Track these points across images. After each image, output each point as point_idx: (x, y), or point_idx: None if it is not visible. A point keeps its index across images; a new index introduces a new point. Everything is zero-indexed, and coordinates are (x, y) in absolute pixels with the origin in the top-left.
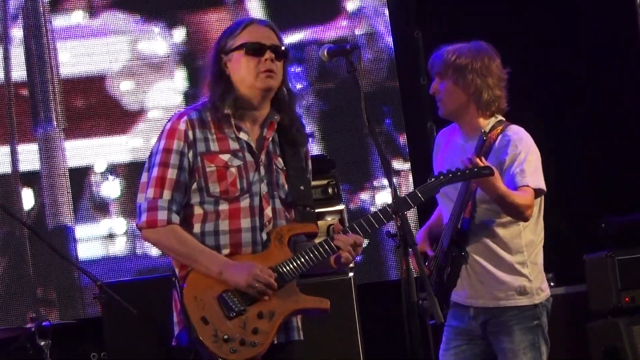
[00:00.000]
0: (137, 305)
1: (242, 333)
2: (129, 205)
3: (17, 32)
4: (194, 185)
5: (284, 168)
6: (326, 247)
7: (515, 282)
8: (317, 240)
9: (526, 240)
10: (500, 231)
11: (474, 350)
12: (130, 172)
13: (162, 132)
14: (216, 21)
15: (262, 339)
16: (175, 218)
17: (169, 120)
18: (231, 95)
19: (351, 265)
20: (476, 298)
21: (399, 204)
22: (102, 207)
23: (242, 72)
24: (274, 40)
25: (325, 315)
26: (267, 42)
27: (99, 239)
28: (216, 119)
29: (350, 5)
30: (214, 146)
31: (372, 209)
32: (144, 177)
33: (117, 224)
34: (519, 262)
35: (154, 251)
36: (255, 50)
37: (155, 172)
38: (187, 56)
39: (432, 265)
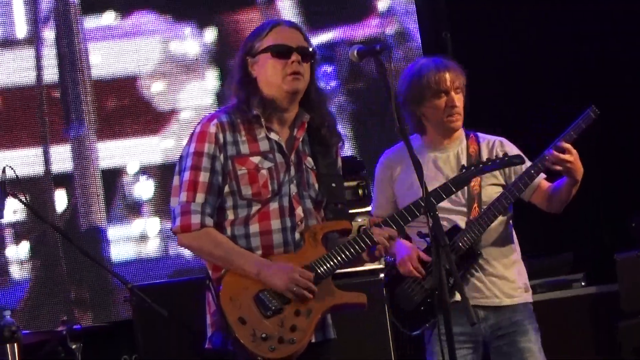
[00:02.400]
0: (168, 308)
1: (280, 331)
2: (161, 207)
3: (48, 34)
4: (226, 189)
5: (314, 167)
6: (361, 243)
7: (521, 279)
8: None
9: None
10: (506, 230)
11: (476, 355)
12: (162, 173)
13: (192, 135)
14: (247, 21)
15: (300, 336)
16: (209, 221)
17: (199, 124)
18: (257, 98)
19: (382, 265)
20: (489, 298)
21: (431, 197)
22: (134, 208)
23: (269, 74)
24: (301, 42)
25: (362, 309)
26: (293, 44)
27: (131, 241)
28: (246, 120)
29: (381, 5)
30: (245, 149)
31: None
32: (176, 181)
33: (150, 225)
34: (519, 259)
35: (187, 252)
36: (281, 52)
37: (187, 175)
38: (218, 56)
39: (429, 272)
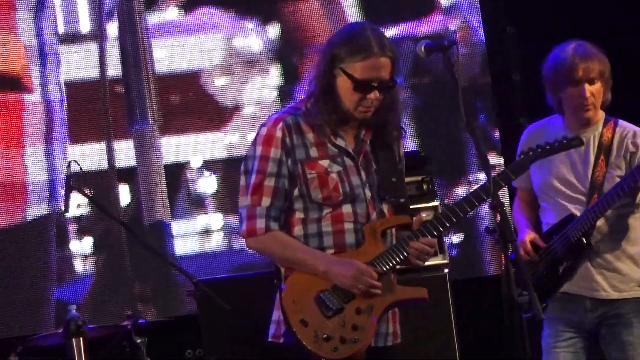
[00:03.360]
0: (232, 302)
1: (342, 331)
2: (225, 201)
3: (112, 30)
4: (296, 192)
5: (377, 163)
6: (403, 252)
7: (636, 274)
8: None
9: None
10: (623, 222)
11: (583, 343)
12: (226, 168)
13: (257, 136)
14: (310, 15)
15: (362, 334)
16: (274, 224)
17: (264, 125)
18: (330, 105)
19: (446, 261)
20: (597, 290)
21: (491, 184)
22: (198, 203)
23: (344, 97)
24: (386, 74)
25: (424, 304)
26: (377, 81)
27: (195, 235)
28: (313, 124)
29: (444, 1)
30: (313, 152)
31: None
32: (242, 181)
33: (214, 219)
34: (638, 253)
35: None
36: (363, 89)
37: (253, 179)
38: (282, 52)
39: (542, 258)
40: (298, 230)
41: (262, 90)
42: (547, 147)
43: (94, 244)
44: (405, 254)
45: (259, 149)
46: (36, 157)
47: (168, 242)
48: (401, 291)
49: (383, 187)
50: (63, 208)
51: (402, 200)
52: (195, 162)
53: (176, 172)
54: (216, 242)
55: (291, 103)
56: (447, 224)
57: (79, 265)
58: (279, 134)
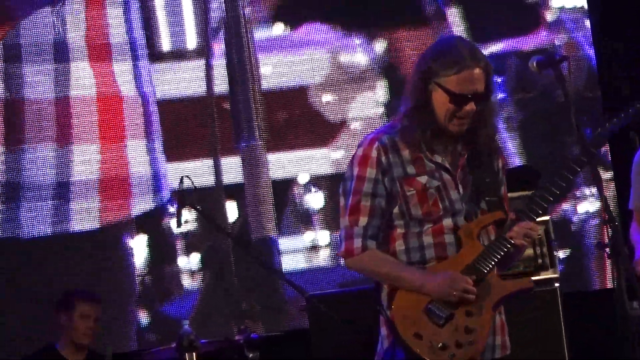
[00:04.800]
0: (343, 317)
1: (456, 336)
2: (331, 217)
3: (218, 46)
4: (396, 209)
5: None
6: (504, 248)
7: None
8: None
9: None
10: None
11: None
12: (332, 184)
13: (354, 158)
14: (417, 35)
15: (477, 336)
16: (371, 243)
17: (360, 145)
18: (428, 124)
19: (556, 275)
20: None
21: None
22: (305, 219)
23: (440, 111)
24: (480, 87)
25: (531, 292)
26: (471, 93)
27: (302, 251)
28: (409, 141)
29: (550, 16)
30: (411, 169)
31: (575, 219)
32: (342, 201)
33: (321, 235)
34: None
35: None
36: (458, 102)
37: (350, 200)
38: (388, 68)
39: None
40: (399, 244)
41: (368, 106)
42: (621, 115)
43: (201, 260)
44: (507, 245)
45: (355, 170)
46: (142, 182)
47: (276, 258)
48: (506, 286)
49: (479, 192)
50: (175, 224)
51: (495, 198)
52: (302, 178)
53: (283, 188)
54: (323, 258)
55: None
56: (545, 205)
57: (185, 281)
58: (374, 153)
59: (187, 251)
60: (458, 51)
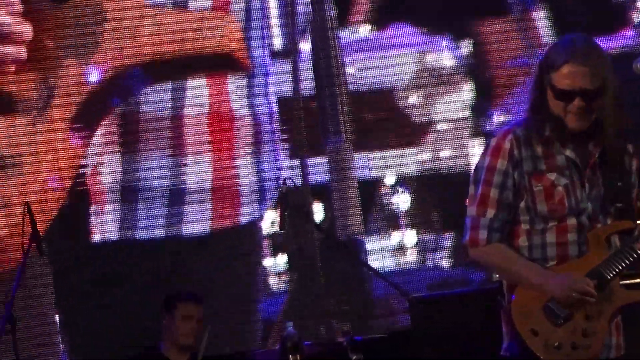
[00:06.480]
0: (445, 318)
1: (573, 337)
2: (419, 218)
3: (305, 47)
4: (522, 204)
5: (604, 175)
6: (630, 257)
7: None
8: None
9: None
10: None
11: None
12: (419, 185)
13: (487, 148)
14: (503, 32)
15: (593, 340)
16: (496, 236)
17: (494, 135)
18: (547, 121)
19: None
20: None
21: None
22: (392, 220)
23: (551, 104)
24: (587, 83)
25: None
26: (576, 88)
27: (389, 252)
28: (542, 137)
29: (637, 16)
30: (541, 165)
31: None
32: (471, 190)
33: (408, 236)
34: None
35: (445, 263)
36: (562, 96)
37: (479, 189)
38: (474, 68)
39: None
40: (522, 241)
41: (455, 107)
42: None
43: (288, 261)
44: (634, 255)
45: (487, 160)
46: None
47: (363, 258)
48: (627, 295)
49: (608, 196)
50: (279, 228)
51: (624, 205)
52: (389, 179)
53: (370, 188)
54: (410, 259)
55: (514, 119)
56: None
57: (273, 283)
58: (507, 145)
59: (274, 252)
60: (569, 48)
